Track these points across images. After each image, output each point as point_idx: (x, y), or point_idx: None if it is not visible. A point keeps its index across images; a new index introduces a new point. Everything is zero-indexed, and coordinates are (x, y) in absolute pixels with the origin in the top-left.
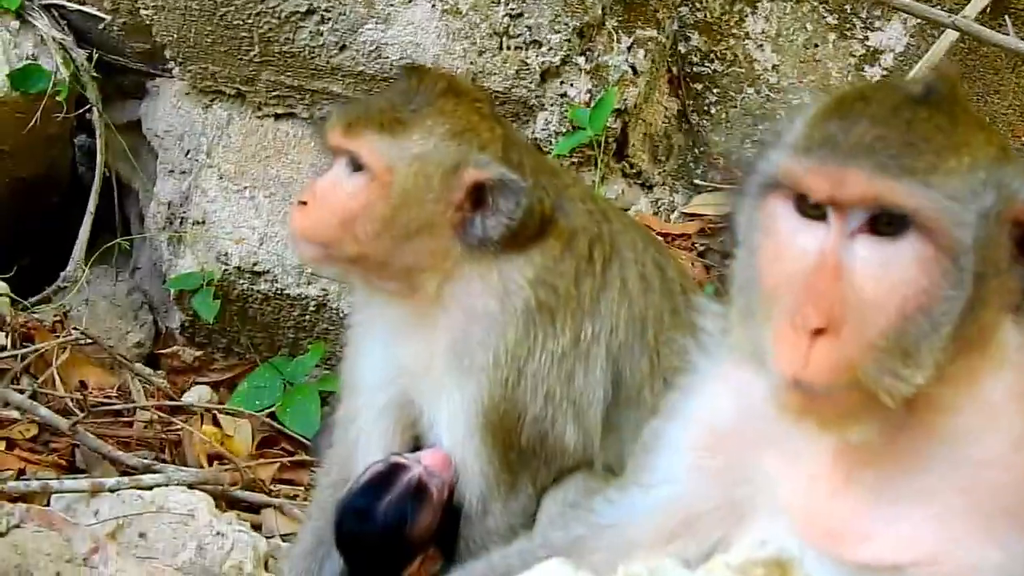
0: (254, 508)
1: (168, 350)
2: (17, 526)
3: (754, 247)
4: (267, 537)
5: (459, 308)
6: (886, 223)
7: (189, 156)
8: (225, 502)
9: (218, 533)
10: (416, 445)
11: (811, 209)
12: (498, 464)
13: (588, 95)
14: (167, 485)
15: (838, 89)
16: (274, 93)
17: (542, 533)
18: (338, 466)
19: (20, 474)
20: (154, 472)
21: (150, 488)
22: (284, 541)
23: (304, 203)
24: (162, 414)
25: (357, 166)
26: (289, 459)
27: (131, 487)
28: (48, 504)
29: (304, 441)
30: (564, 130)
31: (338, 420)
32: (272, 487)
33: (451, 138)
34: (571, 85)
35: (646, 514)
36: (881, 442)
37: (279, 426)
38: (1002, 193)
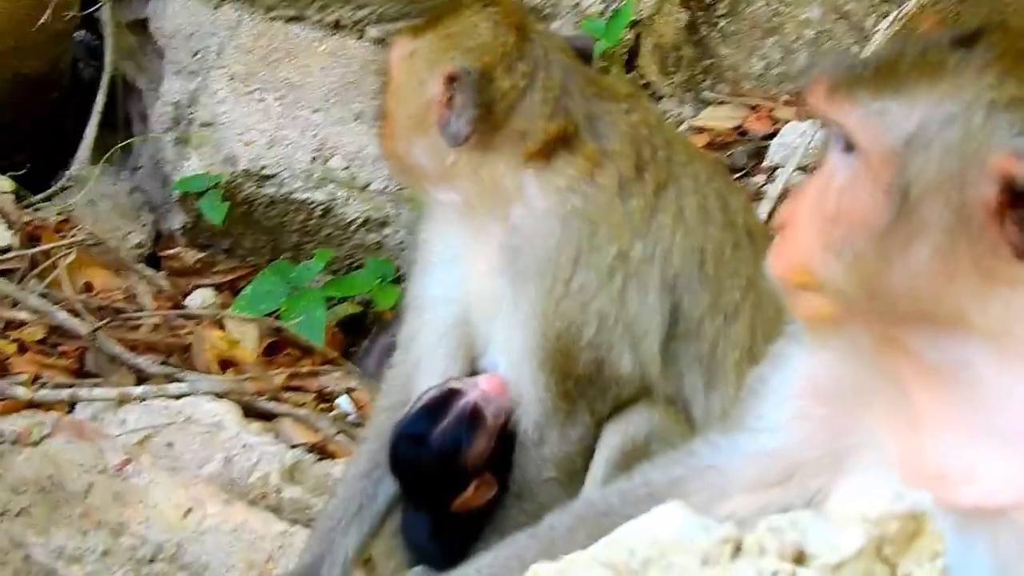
0: (266, 416)
1: (169, 252)
2: (48, 435)
3: None
4: (291, 447)
5: (505, 219)
6: (846, 139)
7: (197, 57)
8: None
9: (245, 445)
10: (475, 369)
11: None
12: (555, 391)
13: (602, 5)
14: (193, 395)
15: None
16: None
17: (643, 473)
18: (397, 388)
19: (35, 379)
20: (176, 380)
21: (177, 397)
22: (307, 453)
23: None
24: (180, 317)
25: None
26: (313, 367)
27: (158, 396)
28: (71, 411)
29: (310, 347)
30: None
31: (400, 340)
32: (283, 395)
33: (447, 39)
34: None
35: (748, 458)
36: (965, 379)
37: (284, 330)
38: (982, 137)
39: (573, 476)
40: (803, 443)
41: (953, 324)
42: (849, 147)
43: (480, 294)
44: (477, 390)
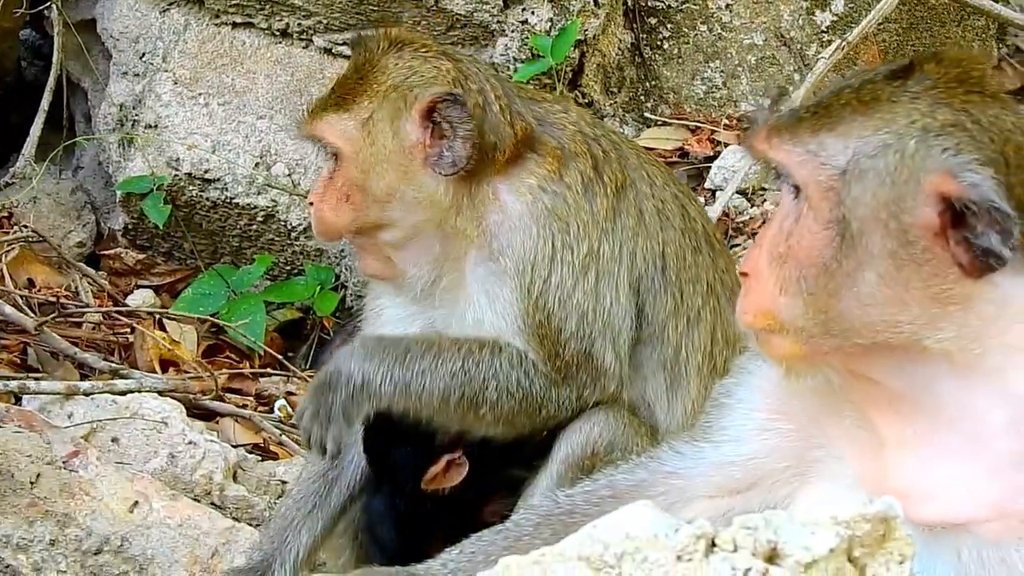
0: (208, 416)
1: (110, 252)
2: None
3: None
4: (234, 446)
5: (477, 231)
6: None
7: (144, 59)
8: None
9: (190, 442)
10: None
11: None
12: (542, 355)
13: (548, 23)
14: (140, 391)
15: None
16: (233, 1)
17: (607, 476)
18: None
19: None
20: (121, 376)
21: (123, 393)
22: (250, 453)
23: (311, 203)
24: (117, 317)
25: (331, 151)
26: (252, 370)
27: (105, 391)
28: (18, 404)
29: (248, 351)
30: (523, 56)
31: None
32: (224, 396)
33: (394, 91)
34: (532, 13)
35: (712, 467)
36: (925, 399)
37: (223, 334)
38: (916, 162)
39: None
40: (768, 454)
41: (910, 350)
42: (797, 189)
43: (457, 302)
44: None
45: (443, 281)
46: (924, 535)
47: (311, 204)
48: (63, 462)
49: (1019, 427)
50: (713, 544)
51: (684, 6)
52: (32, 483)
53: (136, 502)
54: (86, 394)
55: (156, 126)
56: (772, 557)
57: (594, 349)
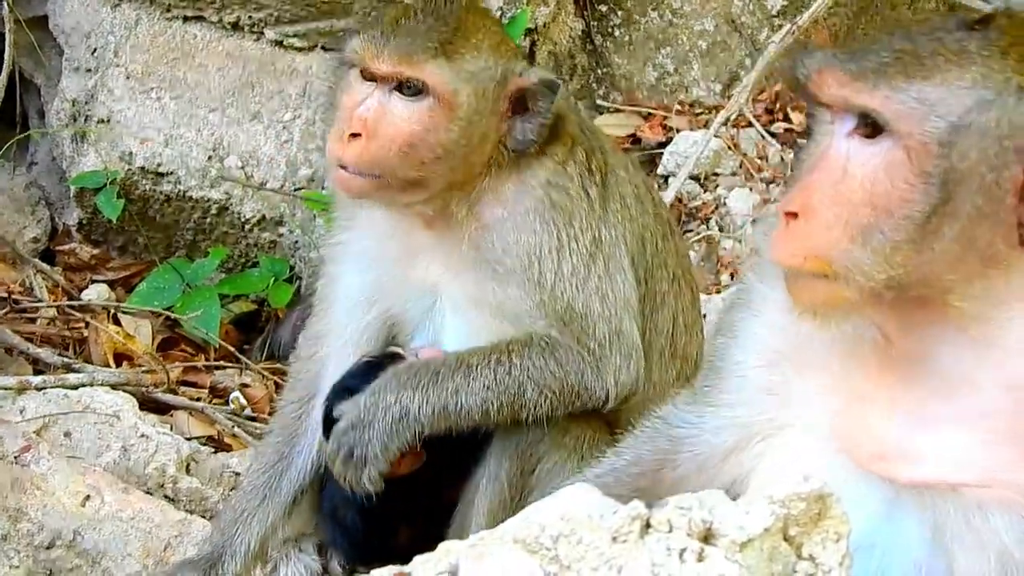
0: (162, 409)
1: (65, 247)
2: None
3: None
4: (187, 439)
5: (477, 222)
6: (866, 125)
7: (96, 54)
8: (138, 403)
9: (142, 435)
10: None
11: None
12: (574, 338)
13: (499, 12)
14: (92, 385)
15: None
16: None
17: (631, 448)
18: (304, 382)
19: None
20: (74, 371)
21: (75, 387)
22: (203, 445)
23: (356, 135)
24: (71, 311)
25: (413, 91)
26: (207, 364)
27: (57, 386)
28: None
29: (203, 344)
30: None
31: (308, 336)
32: (178, 389)
33: (493, 51)
34: (483, 2)
35: (715, 432)
36: (927, 357)
37: (178, 327)
38: (1011, 120)
39: None
40: (760, 412)
41: (936, 308)
42: (872, 133)
43: (442, 293)
44: (415, 357)
45: (418, 259)
46: (893, 497)
47: (352, 136)
48: (14, 457)
49: (1020, 404)
50: (648, 525)
51: None
52: None
53: (88, 496)
54: (38, 389)
55: (109, 121)
56: (707, 537)
57: (623, 326)
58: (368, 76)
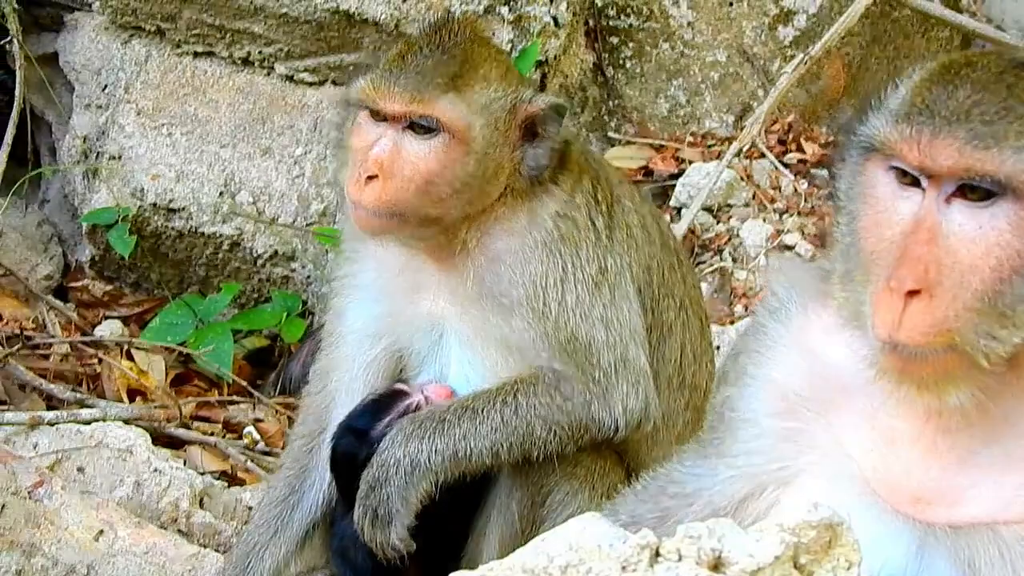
0: (175, 444)
1: (77, 284)
2: None
3: (855, 212)
4: (201, 473)
5: (483, 254)
6: (980, 189)
7: (106, 91)
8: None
9: (155, 470)
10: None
11: (907, 175)
12: (583, 368)
13: (510, 45)
14: (104, 420)
15: (946, 56)
16: (194, 31)
17: (627, 506)
18: (314, 416)
19: None
20: (86, 406)
21: (88, 422)
22: (217, 479)
23: (373, 177)
24: (84, 347)
25: (426, 128)
26: (220, 399)
27: (70, 421)
28: None
29: (217, 379)
30: None
31: (317, 370)
32: (191, 424)
33: (502, 81)
34: (492, 34)
35: (728, 482)
36: (974, 406)
37: (191, 363)
38: None
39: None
40: (775, 459)
41: (1015, 359)
42: (984, 196)
43: (446, 326)
44: (421, 394)
45: (425, 293)
46: (922, 536)
47: (369, 178)
48: (28, 492)
49: None
50: (657, 554)
51: (646, 24)
52: None
53: (101, 531)
54: (51, 424)
55: (120, 157)
56: (717, 566)
57: (628, 354)
58: (378, 116)
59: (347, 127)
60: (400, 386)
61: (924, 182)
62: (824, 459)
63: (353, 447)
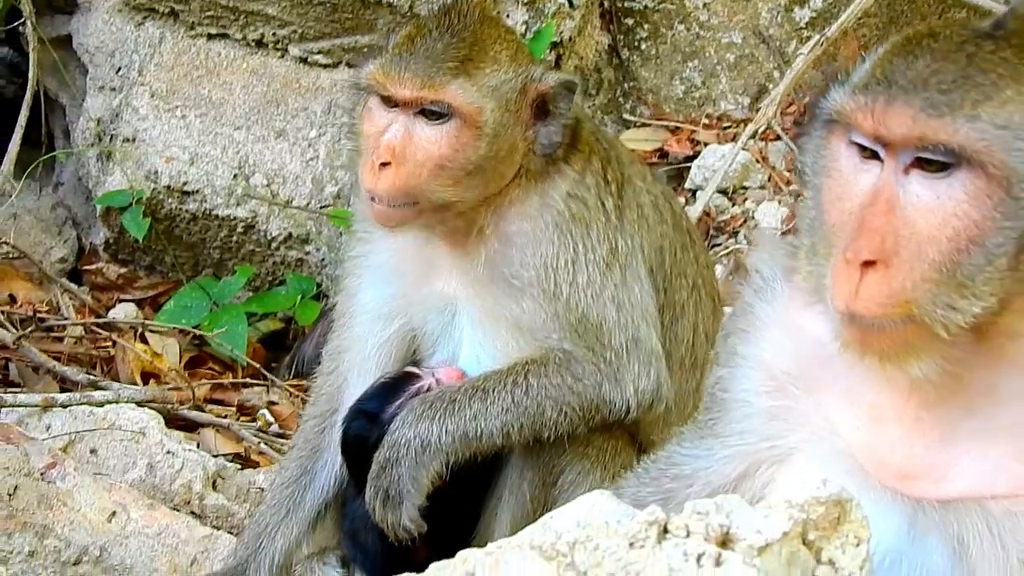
0: (189, 427)
1: (92, 266)
2: None
3: (819, 186)
4: (214, 455)
5: (496, 236)
6: (937, 160)
7: (120, 73)
8: (164, 420)
9: (168, 452)
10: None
11: (867, 149)
12: (594, 348)
13: (524, 27)
14: (117, 402)
15: (912, 27)
16: (208, 13)
17: (630, 489)
18: (326, 396)
19: None
20: (100, 388)
21: (101, 404)
22: (230, 461)
23: (386, 164)
24: (98, 330)
25: (438, 114)
26: (232, 380)
27: (83, 403)
28: None
29: (231, 362)
30: None
31: (329, 351)
32: (205, 406)
33: (512, 61)
34: (507, 16)
35: (723, 462)
36: (952, 378)
37: (205, 346)
38: None
39: None
40: (766, 437)
41: (989, 332)
42: (942, 167)
43: (458, 307)
44: (432, 377)
45: (438, 274)
46: (926, 510)
47: (382, 165)
48: (41, 474)
49: None
50: (665, 530)
51: (661, 6)
52: (10, 495)
53: (114, 512)
54: (63, 406)
55: (134, 139)
56: (725, 542)
57: (640, 334)
58: (389, 101)
59: (357, 112)
60: (411, 369)
61: (882, 153)
62: (814, 436)
63: (364, 430)
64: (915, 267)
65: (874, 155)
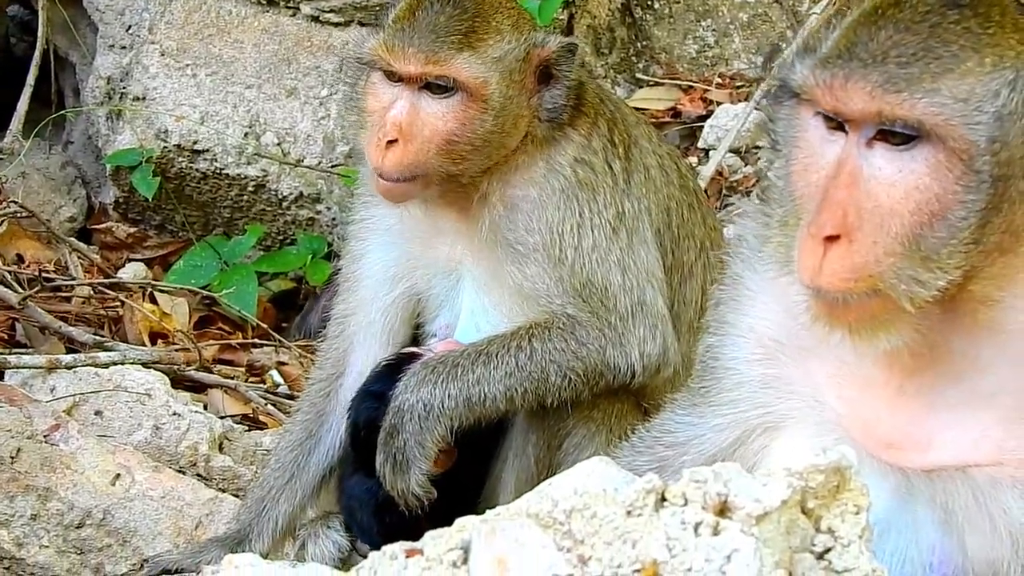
0: (197, 387)
1: (101, 226)
2: None
3: (788, 156)
4: (220, 418)
5: (501, 202)
6: (896, 133)
7: (131, 31)
8: (170, 381)
9: (174, 413)
10: (416, 341)
11: (833, 119)
12: (598, 310)
13: None
14: (123, 363)
15: None
16: None
17: (626, 459)
18: (332, 360)
19: None
20: (106, 349)
21: (106, 366)
22: (237, 423)
23: (393, 141)
24: (107, 290)
25: (443, 88)
26: (241, 341)
27: (88, 364)
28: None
29: (241, 322)
30: None
31: (335, 315)
32: (213, 367)
33: (514, 29)
34: None
35: (716, 430)
36: (929, 347)
37: (216, 305)
38: None
39: None
40: (758, 405)
41: (953, 299)
42: (903, 140)
43: (463, 272)
44: (433, 354)
45: (443, 238)
46: (901, 480)
47: (389, 143)
48: (44, 436)
49: None
50: (663, 498)
51: None
52: (12, 458)
53: (118, 475)
54: (68, 367)
55: (144, 98)
56: (723, 510)
57: (646, 297)
58: (393, 77)
59: (360, 86)
60: (411, 349)
61: (847, 126)
62: (804, 405)
63: (373, 411)
64: (878, 241)
65: (840, 126)
